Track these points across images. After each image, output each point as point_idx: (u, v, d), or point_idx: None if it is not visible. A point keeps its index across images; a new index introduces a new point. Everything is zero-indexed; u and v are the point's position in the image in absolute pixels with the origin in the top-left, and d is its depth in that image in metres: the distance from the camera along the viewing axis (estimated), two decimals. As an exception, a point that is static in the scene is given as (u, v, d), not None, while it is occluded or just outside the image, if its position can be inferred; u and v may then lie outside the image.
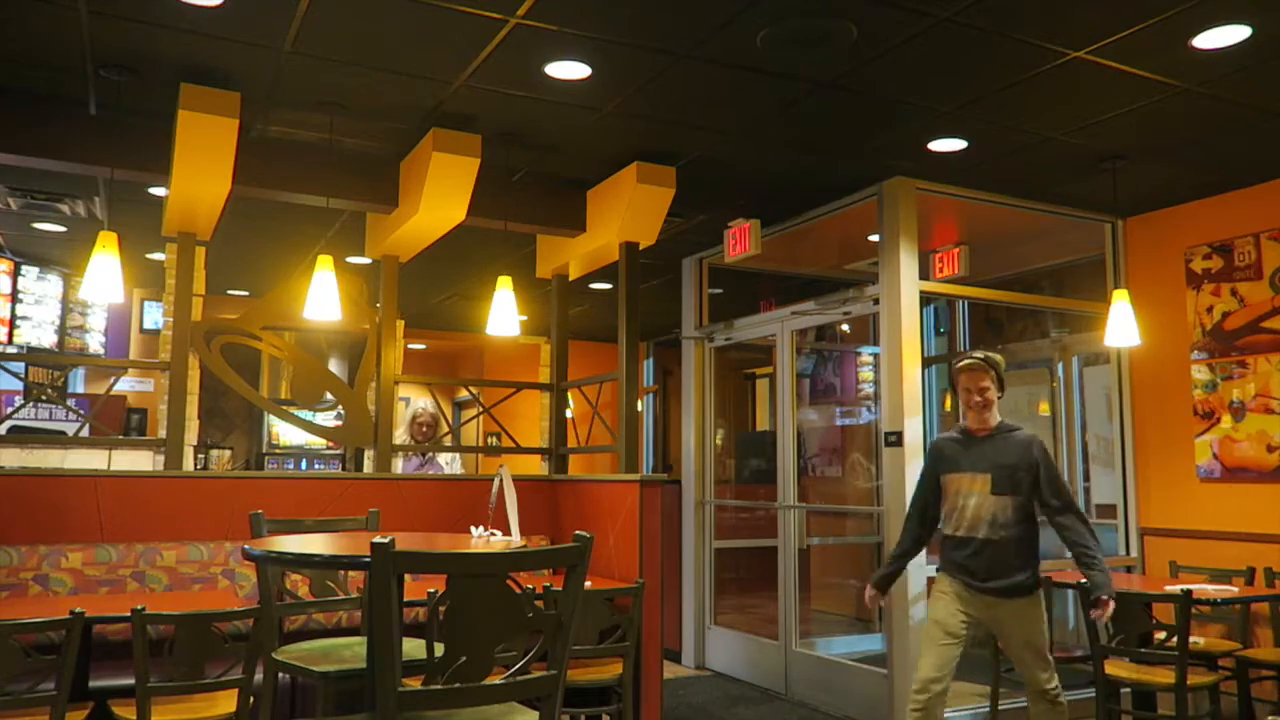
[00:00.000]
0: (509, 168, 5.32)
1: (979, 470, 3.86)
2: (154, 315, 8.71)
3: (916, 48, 3.82)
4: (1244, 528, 5.34)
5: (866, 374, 8.29)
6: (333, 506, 4.85)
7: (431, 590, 2.94)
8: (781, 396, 6.41)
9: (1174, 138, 4.80)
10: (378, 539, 2.02)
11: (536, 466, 6.70)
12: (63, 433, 6.78)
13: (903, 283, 5.31)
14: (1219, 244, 5.61)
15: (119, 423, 7.92)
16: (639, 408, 6.60)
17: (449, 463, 6.34)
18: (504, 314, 5.19)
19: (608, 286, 7.95)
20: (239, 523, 4.55)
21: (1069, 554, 3.91)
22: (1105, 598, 3.77)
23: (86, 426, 6.18)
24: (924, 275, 5.61)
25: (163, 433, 4.84)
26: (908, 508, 4.25)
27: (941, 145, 4.92)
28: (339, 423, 5.86)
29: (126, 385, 8.46)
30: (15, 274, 7.62)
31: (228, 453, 9.49)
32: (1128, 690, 4.47)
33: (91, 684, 3.46)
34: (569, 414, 6.41)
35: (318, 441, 9.51)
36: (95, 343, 8.41)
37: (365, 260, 6.44)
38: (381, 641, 2.01)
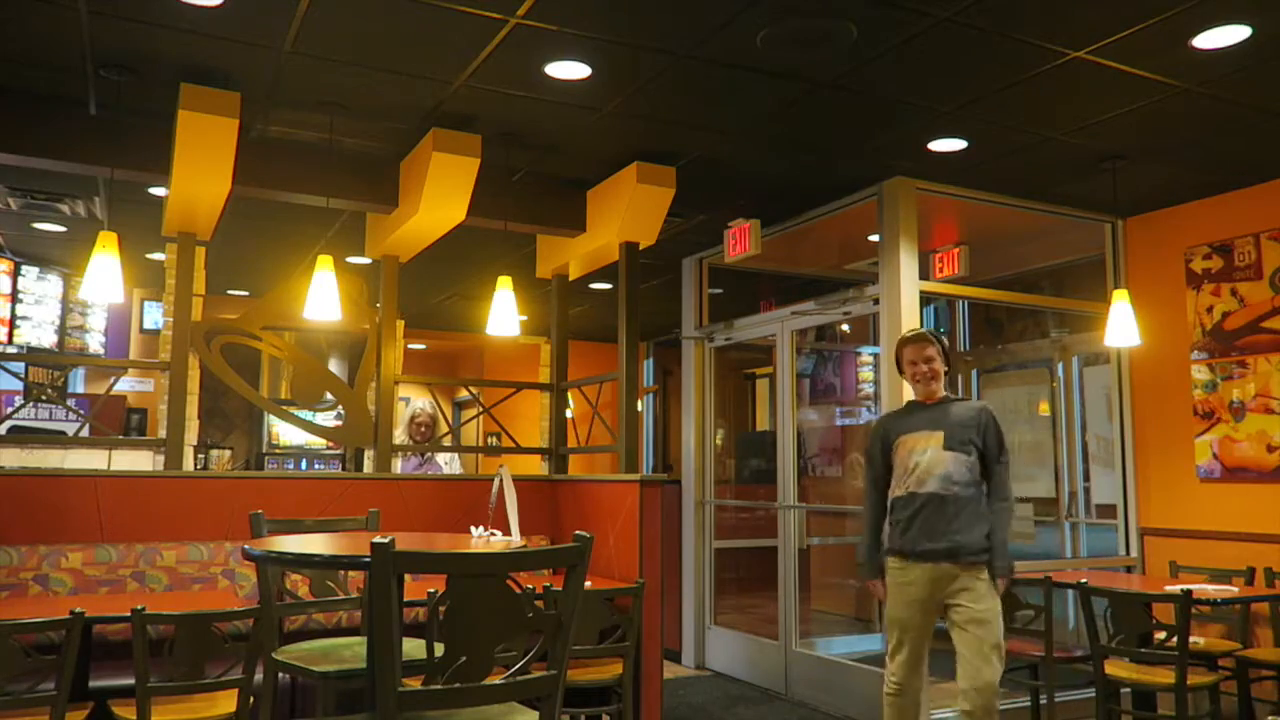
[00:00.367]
0: (509, 168, 5.32)
1: (933, 429, 3.81)
2: (154, 315, 8.71)
3: (916, 48, 3.82)
4: (1244, 528, 5.34)
5: (866, 374, 8.29)
6: (333, 506, 4.85)
7: (431, 590, 2.94)
8: (781, 396, 6.41)
9: (1174, 138, 4.80)
10: (378, 539, 2.02)
11: (536, 466, 6.70)
12: (63, 433, 6.78)
13: (903, 283, 5.31)
14: (1219, 244, 5.61)
15: (119, 423, 7.92)
16: (639, 408, 6.60)
17: (448, 463, 6.34)
18: (504, 314, 5.19)
19: (608, 286, 7.95)
20: (239, 523, 4.55)
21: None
22: (1004, 574, 3.71)
23: (86, 426, 6.18)
24: (924, 275, 5.61)
25: (163, 433, 4.84)
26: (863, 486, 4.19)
27: (941, 145, 4.92)
28: (339, 423, 5.86)
29: (126, 385, 8.47)
30: (15, 274, 7.62)
31: (228, 453, 9.50)
32: (1128, 690, 4.47)
33: (91, 684, 3.46)
34: (569, 414, 6.41)
35: (318, 441, 9.51)
36: (95, 343, 8.41)
37: (365, 260, 6.44)
38: (381, 641, 2.01)
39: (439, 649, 2.07)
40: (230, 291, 8.63)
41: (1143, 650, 4.15)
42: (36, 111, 4.51)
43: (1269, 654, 4.74)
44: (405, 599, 2.79)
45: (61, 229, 6.73)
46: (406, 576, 2.59)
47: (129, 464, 6.10)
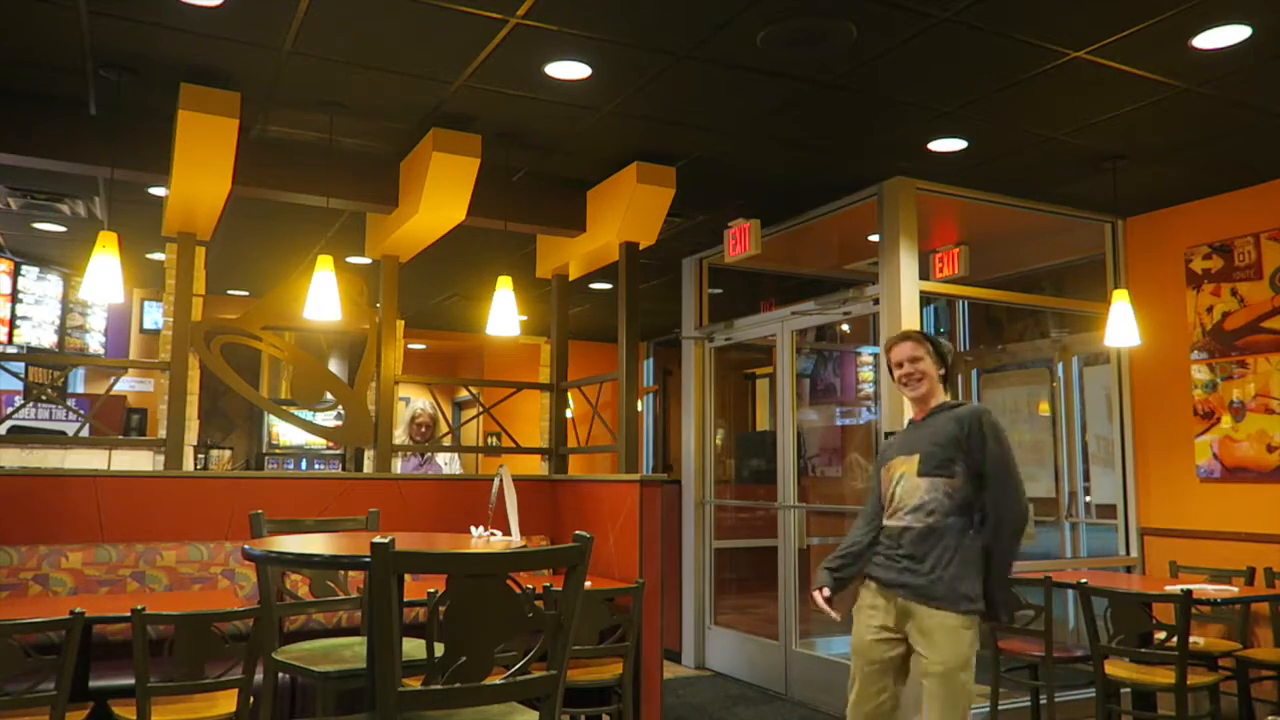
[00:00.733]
0: (509, 168, 5.32)
1: (909, 452, 3.31)
2: (154, 315, 8.72)
3: (916, 48, 3.82)
4: (1244, 528, 5.34)
5: (866, 374, 8.29)
6: (333, 506, 4.85)
7: (431, 590, 2.94)
8: (781, 396, 6.41)
9: (1174, 138, 4.80)
10: (378, 539, 2.02)
11: (536, 466, 6.70)
12: (63, 433, 6.78)
13: (903, 283, 5.31)
14: (1219, 244, 5.61)
15: (119, 423, 7.92)
16: (639, 408, 6.60)
17: (448, 463, 6.34)
18: (504, 314, 5.19)
19: (608, 286, 7.95)
20: (239, 523, 4.56)
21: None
22: (995, 615, 3.19)
23: (86, 426, 6.18)
24: (924, 275, 5.61)
25: (163, 433, 4.84)
26: None
27: (941, 145, 4.92)
28: (339, 423, 5.86)
29: (126, 385, 8.46)
30: (15, 274, 7.62)
31: (228, 453, 9.49)
32: (1128, 690, 4.47)
33: (91, 684, 3.46)
34: (569, 414, 6.41)
35: (318, 441, 9.50)
36: (95, 343, 8.41)
37: (365, 260, 6.44)
38: (381, 641, 2.01)
39: (439, 649, 2.07)
40: (230, 291, 8.63)
41: (1143, 650, 4.15)
42: (36, 111, 4.51)
43: (1269, 654, 4.74)
44: (405, 599, 2.79)
45: (61, 229, 6.74)
46: (406, 576, 2.59)
47: (129, 464, 6.09)
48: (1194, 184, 5.52)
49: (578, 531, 2.30)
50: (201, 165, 4.41)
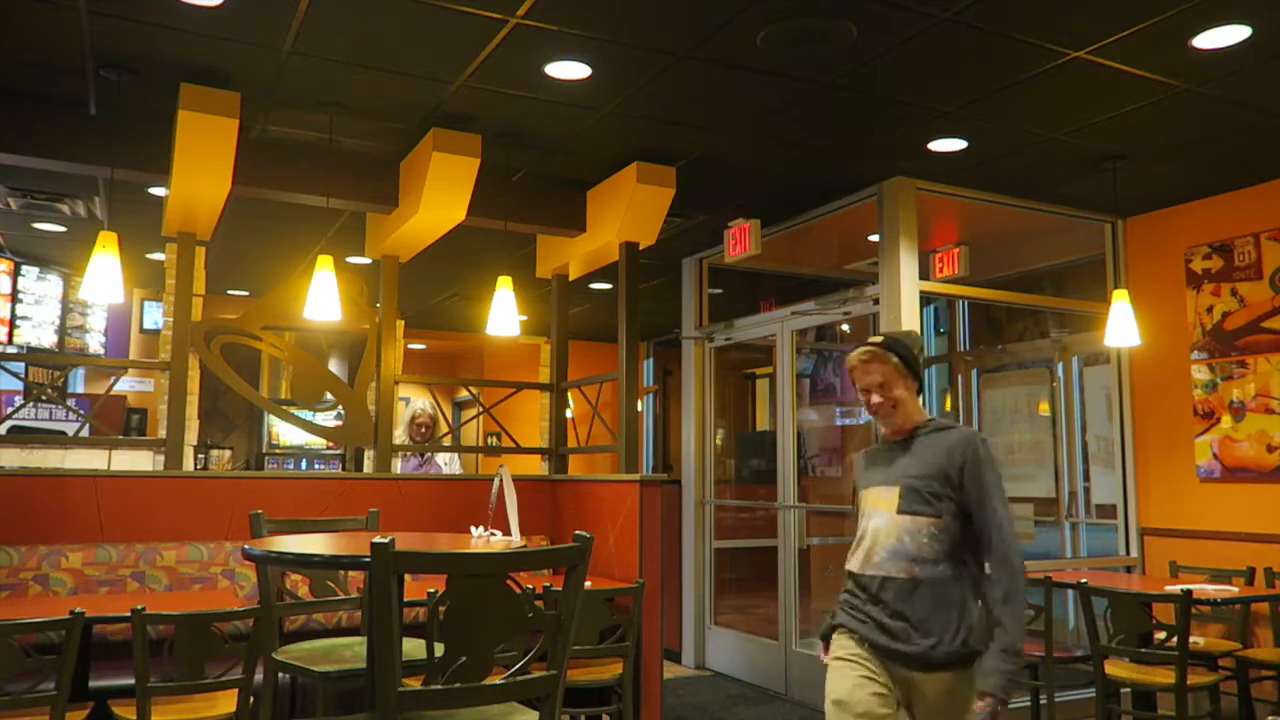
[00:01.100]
0: (509, 168, 5.32)
1: (888, 484, 2.70)
2: (154, 315, 8.71)
3: (916, 48, 3.82)
4: (1244, 528, 5.34)
5: (867, 374, 8.26)
6: (333, 506, 4.85)
7: (431, 590, 2.94)
8: (781, 396, 6.41)
9: (1174, 138, 4.80)
10: (378, 539, 2.02)
11: (536, 466, 6.70)
12: (63, 433, 6.78)
13: (903, 283, 5.31)
14: (1219, 244, 5.61)
15: (119, 423, 7.91)
16: (639, 408, 6.60)
17: (448, 463, 6.34)
18: (504, 314, 5.19)
19: (608, 286, 7.95)
20: (239, 523, 4.56)
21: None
22: (989, 692, 2.45)
23: (86, 426, 6.18)
24: (924, 275, 5.61)
25: (163, 433, 4.84)
26: None
27: (941, 145, 4.92)
28: (339, 423, 5.86)
29: (126, 385, 8.46)
30: (15, 274, 7.62)
31: (228, 453, 9.49)
32: (1128, 690, 4.46)
33: (91, 684, 3.46)
34: (569, 414, 6.41)
35: (318, 441, 9.50)
36: (95, 343, 8.41)
37: (365, 260, 6.44)
38: (381, 641, 2.01)
39: (439, 649, 2.07)
40: (230, 291, 8.63)
41: (1143, 650, 4.15)
42: (36, 111, 4.51)
43: (1269, 654, 4.74)
44: (405, 599, 2.79)
45: (61, 229, 6.74)
46: (406, 576, 2.59)
47: (129, 464, 6.09)
48: (1194, 184, 5.52)
49: (578, 531, 2.30)
50: (201, 165, 4.41)
